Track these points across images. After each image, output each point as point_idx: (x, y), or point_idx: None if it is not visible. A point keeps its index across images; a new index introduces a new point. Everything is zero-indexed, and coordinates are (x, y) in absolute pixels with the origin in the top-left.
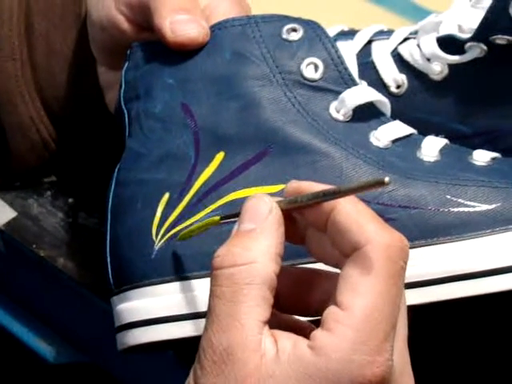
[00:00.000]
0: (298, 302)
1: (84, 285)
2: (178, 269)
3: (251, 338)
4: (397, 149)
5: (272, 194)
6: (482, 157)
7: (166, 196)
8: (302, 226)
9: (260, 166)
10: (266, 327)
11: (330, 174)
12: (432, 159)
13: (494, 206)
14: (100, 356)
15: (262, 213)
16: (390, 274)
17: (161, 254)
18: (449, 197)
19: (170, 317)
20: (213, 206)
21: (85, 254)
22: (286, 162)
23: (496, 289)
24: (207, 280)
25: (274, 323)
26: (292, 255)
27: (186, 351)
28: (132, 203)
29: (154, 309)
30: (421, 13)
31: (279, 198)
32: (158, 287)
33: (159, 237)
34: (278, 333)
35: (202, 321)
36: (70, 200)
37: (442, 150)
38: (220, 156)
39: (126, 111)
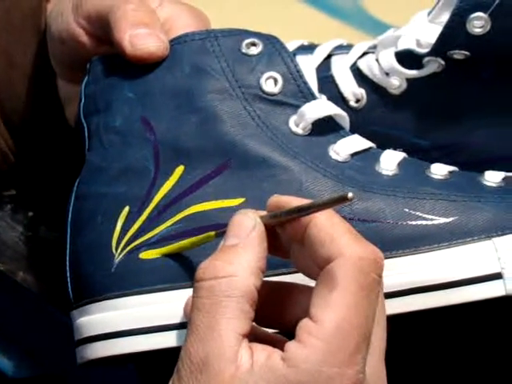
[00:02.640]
0: (277, 315)
1: (44, 298)
2: (138, 282)
3: (228, 349)
4: (356, 162)
5: (233, 208)
6: (439, 170)
7: (126, 210)
8: (286, 240)
9: (220, 179)
10: (245, 340)
11: (289, 187)
12: (390, 173)
13: (451, 219)
14: (60, 370)
15: (245, 228)
16: (361, 286)
17: (121, 268)
18: (407, 210)
19: (130, 330)
20: (173, 220)
21: (45, 267)
22: (245, 175)
23: (454, 301)
24: (167, 293)
25: (253, 336)
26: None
27: (146, 365)
28: (92, 217)
29: (113, 322)
30: (380, 27)
31: (263, 213)
32: (118, 301)
33: (119, 250)
34: (255, 345)
35: (162, 334)
36: (30, 213)
37: (400, 164)
38: (180, 169)
39: (85, 125)
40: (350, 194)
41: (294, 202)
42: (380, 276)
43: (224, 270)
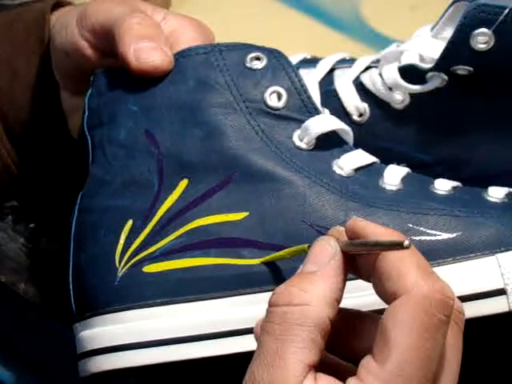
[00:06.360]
0: (348, 343)
1: (45, 310)
2: (141, 296)
3: (292, 378)
4: (359, 177)
5: (236, 222)
6: (443, 186)
7: (130, 223)
8: (364, 266)
9: (224, 193)
10: (312, 371)
11: (293, 201)
12: (394, 188)
13: (455, 234)
14: (62, 383)
15: (325, 257)
16: (425, 327)
17: (124, 281)
18: (410, 225)
19: (133, 344)
20: (176, 233)
21: (46, 279)
22: (249, 189)
23: None
24: (169, 307)
25: (322, 363)
26: None
27: (148, 379)
28: (95, 230)
29: (116, 336)
30: (380, 40)
31: (345, 238)
32: (121, 314)
33: (122, 264)
34: (321, 376)
35: (165, 348)
36: (32, 225)
37: (404, 179)
38: (184, 183)
39: (89, 137)
40: (407, 242)
41: (368, 228)
42: (448, 316)
43: (298, 298)
